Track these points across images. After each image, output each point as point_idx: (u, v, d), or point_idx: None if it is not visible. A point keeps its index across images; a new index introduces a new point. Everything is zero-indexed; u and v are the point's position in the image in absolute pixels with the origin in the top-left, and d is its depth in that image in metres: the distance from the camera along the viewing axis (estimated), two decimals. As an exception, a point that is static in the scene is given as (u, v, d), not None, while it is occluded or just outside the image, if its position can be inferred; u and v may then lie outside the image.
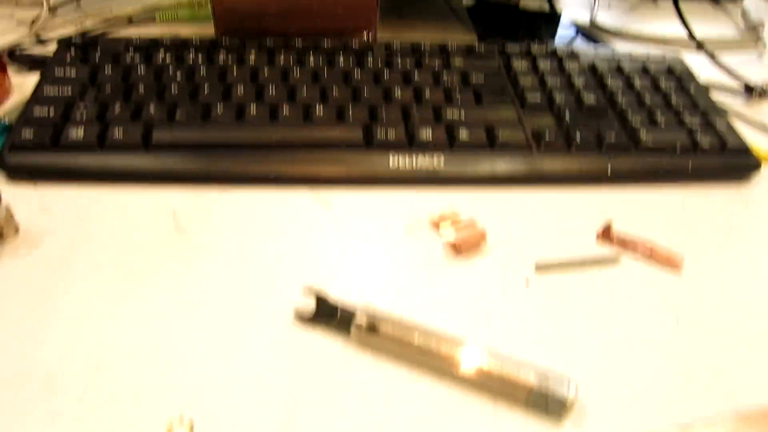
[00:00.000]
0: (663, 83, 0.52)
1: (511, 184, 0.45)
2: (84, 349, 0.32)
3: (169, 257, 0.37)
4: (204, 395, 0.30)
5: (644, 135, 0.46)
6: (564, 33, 0.71)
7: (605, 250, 0.41)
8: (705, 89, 0.53)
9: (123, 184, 0.42)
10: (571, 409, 0.30)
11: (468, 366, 0.31)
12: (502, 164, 0.45)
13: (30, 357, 0.31)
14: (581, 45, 0.69)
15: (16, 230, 0.38)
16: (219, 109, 0.44)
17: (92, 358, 0.32)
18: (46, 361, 0.31)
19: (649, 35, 0.70)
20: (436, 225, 0.41)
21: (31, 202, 0.40)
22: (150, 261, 0.37)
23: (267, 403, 0.30)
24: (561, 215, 0.43)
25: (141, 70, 0.48)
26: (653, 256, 0.40)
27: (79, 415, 0.29)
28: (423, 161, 0.44)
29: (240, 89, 0.46)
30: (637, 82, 0.52)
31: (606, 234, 0.41)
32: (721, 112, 0.50)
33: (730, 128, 0.49)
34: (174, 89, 0.46)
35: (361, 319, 0.32)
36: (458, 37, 0.64)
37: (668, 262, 0.40)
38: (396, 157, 0.44)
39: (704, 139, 0.47)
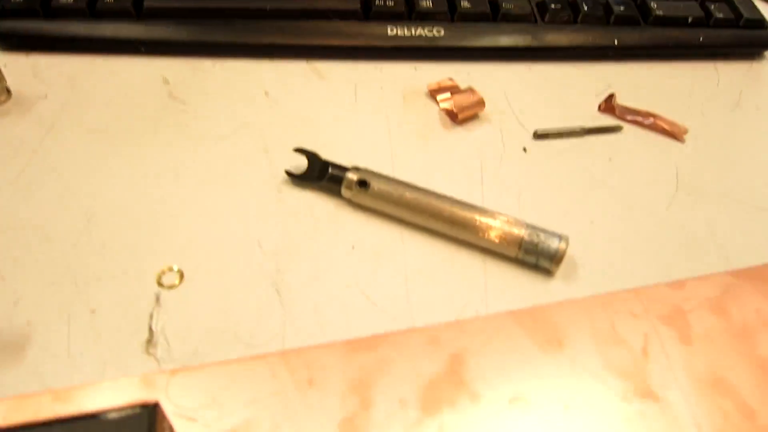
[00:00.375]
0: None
1: (513, 56, 0.44)
2: (76, 203, 0.32)
3: (162, 121, 0.37)
4: (195, 247, 0.31)
5: (655, 6, 0.44)
6: None
7: (607, 120, 0.40)
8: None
9: (115, 53, 0.41)
10: (561, 261, 0.30)
11: (459, 219, 0.31)
12: (504, 36, 0.43)
13: (24, 211, 0.32)
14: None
15: (8, 93, 0.37)
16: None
17: (84, 212, 0.32)
18: (39, 214, 0.32)
19: None
20: (434, 94, 0.40)
21: (23, 69, 0.40)
22: (142, 124, 0.37)
23: (257, 255, 0.31)
24: (564, 88, 0.42)
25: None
26: (656, 126, 0.39)
27: (71, 262, 0.30)
28: (422, 32, 0.42)
29: (234, -43, 0.44)
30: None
31: (608, 105, 0.40)
32: (739, -15, 0.48)
33: (746, 1, 0.46)
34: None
35: (352, 175, 0.32)
36: None
37: (671, 132, 0.39)
38: (394, 28, 0.42)
39: (718, 11, 0.45)
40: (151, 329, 0.28)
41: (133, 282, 0.29)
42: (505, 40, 0.43)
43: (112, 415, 0.21)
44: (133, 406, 0.21)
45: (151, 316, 0.28)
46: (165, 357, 0.27)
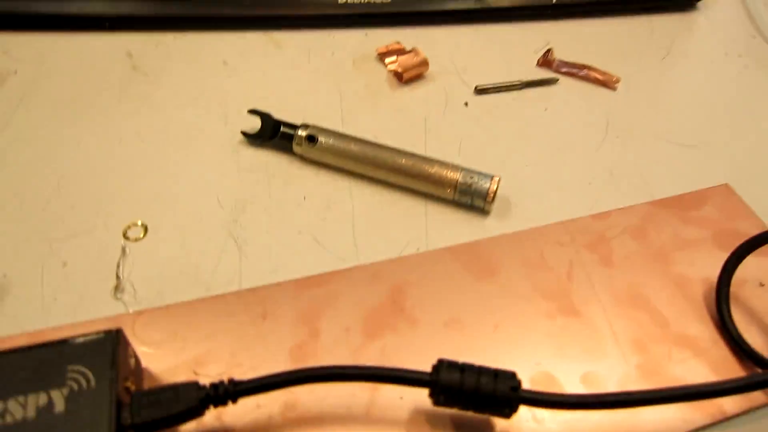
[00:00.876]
0: None
1: (458, 19, 0.46)
2: (47, 168, 0.35)
3: (125, 92, 0.39)
4: (158, 204, 0.33)
5: (591, -36, 0.47)
6: None
7: (545, 74, 0.42)
8: None
9: (81, 30, 0.43)
10: (493, 200, 0.33)
11: (400, 167, 0.34)
12: (449, 0, 0.45)
13: (-1, 177, 0.34)
14: None
15: (-23, 72, 0.39)
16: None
17: (54, 176, 0.34)
18: (13, 179, 0.34)
19: None
20: (383, 58, 0.42)
21: (-10, 49, 0.42)
22: (108, 95, 0.39)
23: (215, 209, 0.33)
24: (505, 46, 0.45)
25: None
26: (589, 76, 0.42)
27: (44, 221, 0.32)
28: (371, -1, 0.45)
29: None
30: None
31: (546, 60, 0.43)
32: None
33: (679, -44, 0.49)
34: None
35: (301, 132, 0.35)
36: None
37: (604, 81, 0.42)
38: (344, -4, 0.45)
39: (651, -33, 0.47)
40: (118, 277, 0.30)
41: (101, 236, 0.32)
42: (450, 4, 0.45)
43: (79, 340, 0.24)
44: (97, 332, 0.24)
45: (118, 266, 0.31)
46: (131, 301, 0.30)
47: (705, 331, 0.29)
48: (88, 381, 0.23)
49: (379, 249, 0.32)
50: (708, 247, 0.33)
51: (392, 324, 0.29)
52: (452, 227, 0.33)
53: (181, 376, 0.27)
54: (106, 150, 0.36)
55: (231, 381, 0.24)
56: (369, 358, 0.28)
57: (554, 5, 0.46)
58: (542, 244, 0.32)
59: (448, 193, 0.33)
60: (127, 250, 0.31)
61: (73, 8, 0.42)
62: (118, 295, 0.30)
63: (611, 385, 0.27)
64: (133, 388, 0.25)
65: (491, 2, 0.46)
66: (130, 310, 0.29)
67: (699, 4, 0.50)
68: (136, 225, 0.32)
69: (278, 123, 0.36)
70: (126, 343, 0.25)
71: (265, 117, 0.36)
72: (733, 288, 0.30)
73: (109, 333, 0.24)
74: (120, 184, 0.34)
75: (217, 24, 0.44)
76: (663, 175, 0.36)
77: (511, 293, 0.30)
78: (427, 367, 0.24)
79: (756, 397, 0.27)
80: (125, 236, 0.32)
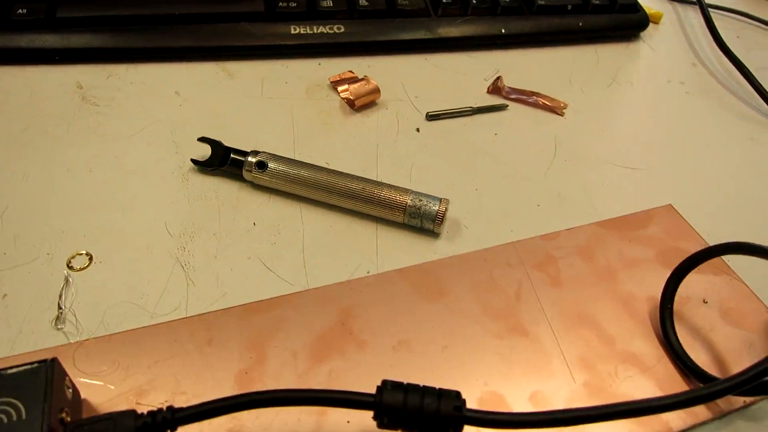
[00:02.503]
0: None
1: (410, 48, 0.47)
2: (-9, 198, 0.34)
3: (75, 123, 0.39)
4: (105, 233, 0.33)
5: (537, -4, 0.48)
6: None
7: (495, 100, 0.43)
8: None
9: (30, 63, 0.43)
10: (442, 222, 0.33)
11: (350, 191, 0.34)
12: (401, 30, 0.47)
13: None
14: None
15: None
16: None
17: (1, 203, 0.34)
18: (-46, 209, 0.33)
19: None
20: (336, 86, 0.43)
21: (-62, 82, 0.41)
22: (56, 126, 0.39)
23: (163, 237, 0.33)
24: (456, 74, 0.46)
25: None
26: (538, 103, 0.43)
27: (-13, 250, 0.31)
28: (324, 29, 0.45)
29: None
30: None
31: (496, 87, 0.44)
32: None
33: (622, -11, 0.51)
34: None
35: (251, 158, 0.35)
36: None
37: (552, 107, 0.43)
38: (297, 27, 0.45)
39: (595, -1, 0.49)
40: (60, 307, 0.30)
41: (44, 267, 0.31)
42: (402, 34, 0.46)
43: (10, 371, 0.23)
44: (31, 363, 0.23)
45: (60, 296, 0.30)
46: (73, 332, 0.29)
47: (650, 349, 0.30)
48: (18, 413, 0.22)
49: (329, 273, 0.32)
50: (652, 265, 0.33)
51: (340, 347, 0.29)
52: (402, 250, 0.33)
53: (122, 407, 0.26)
54: (53, 181, 0.35)
55: (170, 408, 0.23)
56: (316, 382, 0.27)
57: (503, 35, 0.47)
58: (491, 265, 0.33)
59: (398, 216, 0.34)
60: (71, 279, 0.31)
61: (23, 42, 0.42)
62: (60, 326, 0.29)
63: (559, 403, 0.27)
64: (68, 419, 0.24)
65: (442, 32, 0.47)
66: (71, 341, 0.28)
67: (642, 34, 0.52)
68: (80, 254, 0.32)
69: (228, 150, 0.36)
70: (62, 374, 0.24)
71: (214, 144, 0.36)
72: (677, 306, 0.31)
73: (42, 363, 0.23)
74: (66, 214, 0.34)
75: (170, 55, 0.44)
76: (609, 196, 0.37)
77: (460, 314, 0.30)
78: (373, 390, 0.24)
79: (701, 412, 0.27)
80: (69, 266, 0.31)
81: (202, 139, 0.36)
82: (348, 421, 0.26)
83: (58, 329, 0.29)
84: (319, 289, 0.31)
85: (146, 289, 0.31)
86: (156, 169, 0.36)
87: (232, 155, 0.36)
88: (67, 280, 0.31)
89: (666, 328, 0.29)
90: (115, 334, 0.29)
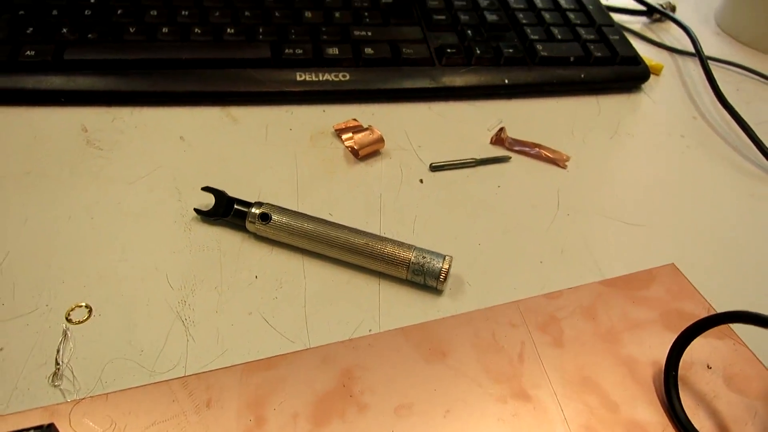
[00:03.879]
0: (563, 2, 0.55)
1: (414, 97, 0.47)
2: (-9, 245, 0.34)
3: (78, 166, 0.39)
4: (105, 284, 0.33)
5: (540, 48, 0.49)
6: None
7: (498, 151, 0.44)
8: (602, 7, 0.56)
9: (37, 104, 0.43)
10: (446, 280, 0.33)
11: (354, 246, 0.34)
12: (405, 78, 0.47)
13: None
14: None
15: (-75, 146, 0.39)
16: (132, 30, 0.45)
17: (1, 249, 0.33)
18: (-47, 257, 0.33)
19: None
20: (340, 134, 0.43)
21: (-58, 122, 0.41)
22: (59, 170, 0.38)
23: (164, 289, 0.33)
24: (460, 124, 0.46)
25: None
26: (540, 155, 0.43)
27: (-15, 300, 0.31)
28: (329, 77, 0.46)
29: (153, 12, 0.47)
30: (538, 2, 0.54)
31: (499, 138, 0.44)
32: (616, 27, 0.53)
33: (623, 41, 0.52)
34: (88, 12, 0.47)
35: (255, 210, 0.35)
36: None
37: (554, 159, 0.43)
38: (303, 74, 0.46)
39: (597, 51, 0.50)
40: (57, 363, 0.29)
41: (43, 319, 0.31)
42: (406, 83, 0.47)
43: (6, 439, 0.23)
44: (27, 429, 0.23)
45: (58, 351, 0.30)
46: (70, 388, 0.28)
47: (654, 416, 0.29)
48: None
49: (330, 330, 0.32)
50: (656, 328, 0.33)
51: (341, 410, 0.28)
52: (405, 307, 0.33)
53: (117, 471, 0.26)
54: (54, 227, 0.35)
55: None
56: (316, 448, 0.27)
57: (507, 85, 0.48)
58: (494, 325, 0.33)
59: (402, 272, 0.33)
60: (69, 333, 0.30)
61: (30, 83, 0.42)
62: (57, 383, 0.28)
63: (562, 474, 0.27)
64: (63, 486, 0.24)
65: (445, 81, 0.47)
66: (68, 399, 0.28)
67: (644, 85, 0.52)
68: (80, 306, 0.32)
69: (232, 200, 0.36)
70: (58, 439, 0.24)
71: (218, 194, 0.36)
72: (681, 371, 0.30)
73: (39, 428, 0.23)
74: (67, 263, 0.33)
75: (176, 99, 0.44)
76: (612, 253, 0.37)
77: (462, 376, 0.30)
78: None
79: (705, 484, 0.27)
80: (68, 319, 0.31)
81: (206, 189, 0.36)
82: (348, 491, 0.25)
83: (55, 386, 0.28)
84: (321, 348, 0.31)
85: (145, 344, 0.30)
86: (158, 217, 0.36)
87: (235, 206, 0.35)
88: (65, 334, 0.30)
89: (671, 397, 0.29)
90: (112, 393, 0.28)
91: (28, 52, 0.43)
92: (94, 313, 0.31)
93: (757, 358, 0.32)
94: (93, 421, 0.27)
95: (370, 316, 0.33)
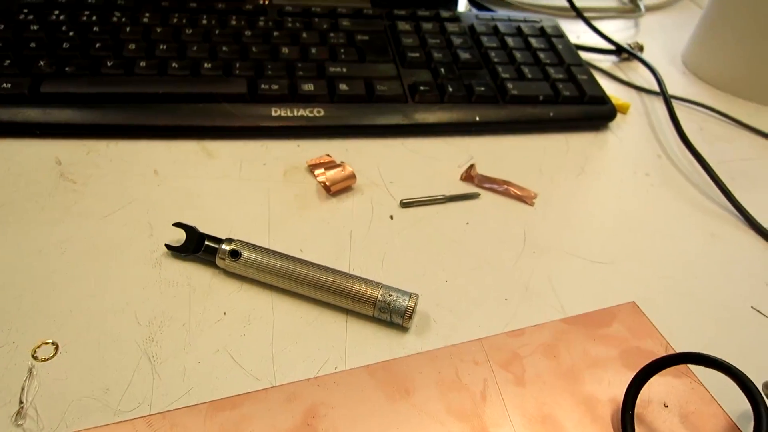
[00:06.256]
0: (534, 42, 0.57)
1: (387, 133, 0.49)
2: (-41, 280, 0.34)
3: (50, 200, 0.39)
4: (73, 321, 0.33)
5: (510, 86, 0.51)
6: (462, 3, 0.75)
7: (467, 188, 0.45)
8: (572, 47, 0.58)
9: (10, 136, 0.43)
10: (411, 317, 0.34)
11: (322, 283, 0.34)
12: (378, 115, 0.48)
13: None
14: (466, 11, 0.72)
15: None
16: (109, 63, 0.46)
17: (-33, 288, 0.33)
18: None
19: (536, 4, 0.75)
20: (313, 169, 0.44)
21: None
22: (31, 203, 0.39)
23: (132, 326, 0.33)
24: (431, 160, 0.47)
25: (34, 28, 0.49)
26: (509, 192, 0.44)
27: (-50, 337, 0.31)
28: (304, 112, 0.47)
29: (132, 46, 0.48)
30: (510, 42, 0.56)
31: (468, 174, 0.45)
32: (585, 67, 0.55)
33: (591, 80, 0.53)
34: (66, 45, 0.47)
35: (225, 246, 0.35)
36: (352, 2, 0.66)
37: (522, 196, 0.44)
38: (278, 109, 0.46)
39: (565, 90, 0.51)
40: (21, 401, 0.29)
41: (8, 357, 0.31)
42: (380, 119, 0.48)
43: (-37, 483, 0.23)
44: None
45: (22, 389, 0.30)
46: (33, 428, 0.28)
47: (611, 454, 0.30)
48: None
49: (297, 367, 0.32)
50: (615, 365, 0.34)
51: (305, 450, 0.29)
52: (371, 344, 0.34)
53: None
54: (24, 261, 0.35)
55: None
56: (278, 489, 0.27)
57: (478, 122, 0.49)
58: (458, 363, 0.33)
59: (368, 309, 0.34)
60: (35, 371, 0.30)
61: (5, 115, 0.43)
62: (20, 422, 0.28)
63: None
64: None
65: (418, 118, 0.48)
66: (30, 438, 0.28)
67: (611, 124, 0.54)
68: (46, 343, 0.32)
69: (203, 236, 0.36)
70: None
71: (189, 230, 0.37)
72: (638, 409, 0.31)
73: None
74: (35, 298, 0.33)
75: (152, 133, 0.45)
76: (574, 291, 0.38)
77: (425, 415, 0.31)
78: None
79: None
80: (34, 356, 0.31)
81: (178, 225, 0.37)
82: None
83: (18, 425, 0.28)
84: (286, 386, 0.31)
85: (111, 382, 0.30)
86: (130, 252, 0.37)
87: (206, 242, 0.36)
88: (30, 372, 0.30)
89: (626, 435, 0.30)
90: (76, 432, 0.28)
91: (5, 84, 0.43)
92: (60, 350, 0.32)
93: (713, 398, 0.33)
94: (55, 461, 0.27)
95: (336, 353, 0.33)
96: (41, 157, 0.42)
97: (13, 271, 0.35)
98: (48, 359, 0.31)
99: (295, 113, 0.46)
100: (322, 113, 0.47)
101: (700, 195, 0.48)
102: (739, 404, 0.33)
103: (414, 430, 0.30)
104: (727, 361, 0.29)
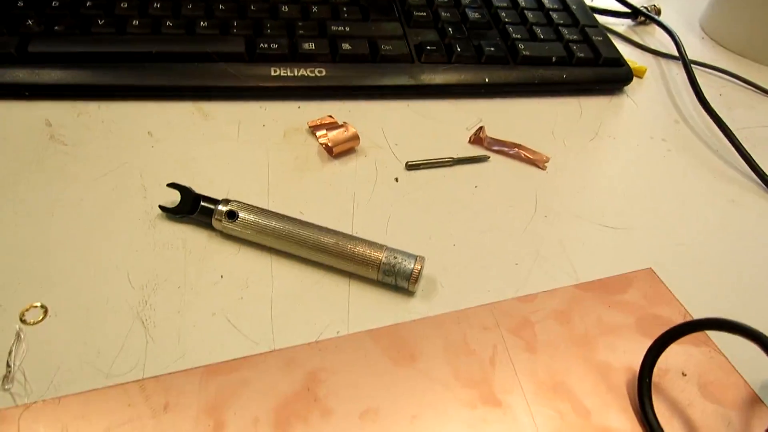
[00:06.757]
0: (547, 2, 0.54)
1: (392, 94, 0.47)
2: (-56, 241, 0.32)
3: (40, 162, 0.38)
4: (64, 284, 0.31)
5: (522, 47, 0.48)
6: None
7: (476, 151, 0.43)
8: (587, 8, 0.55)
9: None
10: (417, 281, 0.32)
11: (323, 245, 0.33)
12: (383, 75, 0.46)
13: None
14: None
15: None
16: (101, 21, 0.44)
17: (-48, 249, 0.32)
18: None
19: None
20: (314, 131, 0.42)
21: None
22: (20, 166, 0.37)
23: (125, 289, 0.31)
24: (438, 122, 0.45)
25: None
26: (519, 155, 0.42)
27: (-66, 298, 0.30)
28: (305, 72, 0.45)
29: (124, 4, 0.46)
30: (522, 1, 0.54)
31: (477, 137, 0.43)
32: (600, 29, 0.52)
33: (607, 42, 0.51)
34: (55, 3, 0.45)
35: (221, 207, 0.34)
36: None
37: (533, 160, 0.42)
38: (278, 69, 0.44)
39: (579, 51, 0.49)
40: (8, 365, 0.28)
41: (-6, 319, 0.29)
42: (384, 80, 0.46)
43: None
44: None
45: (10, 353, 0.28)
46: (21, 392, 0.27)
47: (627, 423, 0.28)
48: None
49: (296, 332, 0.31)
50: (631, 333, 0.32)
51: (304, 415, 0.27)
52: (375, 309, 0.32)
53: (66, 478, 0.25)
54: (12, 224, 0.34)
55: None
56: (276, 456, 0.26)
57: (487, 84, 0.47)
58: (466, 328, 0.32)
59: (372, 273, 0.32)
60: (23, 335, 0.29)
61: (-8, 75, 0.41)
62: (7, 386, 0.27)
63: (531, 483, 0.26)
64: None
65: (425, 79, 0.46)
66: (18, 403, 0.27)
67: (626, 88, 0.52)
68: (35, 307, 0.30)
69: (198, 197, 0.35)
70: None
71: (184, 191, 0.35)
72: (655, 378, 0.30)
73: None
74: (24, 261, 0.32)
75: (144, 94, 0.43)
76: (588, 256, 0.36)
77: (431, 380, 0.29)
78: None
79: (678, 494, 0.26)
80: (22, 320, 0.30)
81: (172, 185, 0.35)
82: (307, 501, 0.24)
83: (5, 389, 0.27)
84: (285, 350, 0.30)
85: (102, 346, 0.29)
86: (122, 214, 0.35)
87: (202, 203, 0.34)
88: (18, 336, 0.29)
89: (644, 404, 0.28)
90: (65, 396, 0.27)
91: (-9, 45, 0.41)
92: (49, 313, 0.30)
93: (733, 367, 0.31)
94: (44, 426, 0.26)
95: (338, 317, 0.31)
96: (30, 118, 0.41)
97: (1, 233, 0.33)
98: (37, 323, 0.30)
99: (296, 73, 0.44)
100: (323, 73, 0.45)
101: (719, 161, 0.46)
102: (760, 374, 0.31)
103: (419, 396, 0.28)
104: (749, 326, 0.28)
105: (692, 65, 0.53)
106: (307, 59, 0.45)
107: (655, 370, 0.30)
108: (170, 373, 0.28)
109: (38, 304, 0.30)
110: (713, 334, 0.33)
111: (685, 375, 0.31)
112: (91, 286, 0.31)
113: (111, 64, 0.43)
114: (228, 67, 0.44)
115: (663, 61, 0.57)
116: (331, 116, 0.43)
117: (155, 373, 0.28)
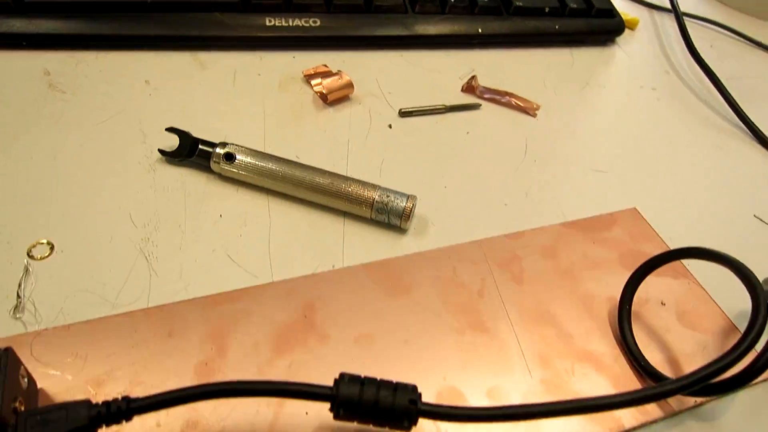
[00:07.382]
0: (539, -48, 0.54)
1: (386, 44, 0.47)
2: (-49, 182, 0.33)
3: (40, 110, 0.38)
4: (68, 222, 0.32)
5: (515, -2, 0.49)
6: None
7: (468, 99, 0.44)
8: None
9: (-2, 48, 0.42)
10: (409, 218, 0.33)
11: (318, 185, 0.34)
12: (377, 26, 0.47)
13: None
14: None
15: None
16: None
17: (-40, 190, 0.33)
18: None
19: None
20: (309, 80, 0.43)
21: None
22: (21, 113, 0.38)
23: (127, 227, 0.33)
24: (431, 72, 0.46)
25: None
26: (511, 103, 0.43)
27: (-55, 235, 0.31)
28: (299, 22, 0.45)
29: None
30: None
31: (470, 86, 0.44)
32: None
33: (599, -7, 0.52)
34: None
35: (219, 150, 0.35)
36: None
37: (524, 107, 0.43)
38: (272, 19, 0.45)
39: (572, 2, 0.50)
40: (18, 296, 0.29)
41: (3, 255, 0.31)
42: (378, 30, 0.46)
43: (-39, 359, 0.23)
44: (-19, 351, 0.23)
45: (19, 285, 0.30)
46: (31, 320, 0.28)
47: (608, 348, 0.30)
48: (-31, 401, 0.22)
49: (294, 266, 0.32)
50: (614, 267, 0.34)
51: (302, 340, 0.29)
52: (369, 245, 0.33)
53: (79, 397, 0.26)
54: (15, 168, 0.35)
55: (125, 398, 0.23)
56: (276, 374, 0.27)
57: (480, 35, 0.48)
58: (456, 262, 0.33)
59: (366, 211, 0.34)
60: (31, 269, 0.30)
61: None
62: (18, 315, 0.29)
63: (515, 398, 0.28)
64: (22, 408, 0.24)
65: (418, 29, 0.47)
66: (29, 330, 0.28)
67: (618, 39, 0.52)
68: (41, 243, 0.31)
69: (196, 141, 0.36)
70: (17, 363, 0.24)
71: (182, 135, 0.36)
72: (636, 307, 0.31)
73: (-6, 351, 0.23)
74: (28, 202, 0.33)
75: (142, 43, 0.43)
76: (575, 198, 0.38)
77: (422, 309, 0.31)
78: (332, 382, 0.24)
79: (652, 411, 0.28)
80: (29, 255, 0.31)
81: (170, 130, 0.36)
82: (306, 413, 0.26)
83: (16, 318, 0.28)
84: (283, 282, 0.31)
85: (108, 279, 0.30)
86: (122, 158, 0.36)
87: (200, 146, 0.35)
88: (26, 269, 0.30)
89: (623, 329, 0.30)
90: (74, 324, 0.28)
91: (-12, -6, 0.42)
92: (56, 249, 0.31)
93: (710, 297, 0.33)
94: (54, 350, 0.27)
95: (333, 253, 0.33)
96: (29, 68, 0.41)
97: (4, 176, 0.34)
98: (44, 258, 0.31)
99: (291, 23, 0.45)
100: (318, 23, 0.45)
101: (707, 109, 0.47)
102: (736, 303, 0.33)
103: (411, 324, 0.30)
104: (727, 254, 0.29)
105: (684, 17, 0.53)
106: (302, 9, 0.46)
107: (636, 299, 0.31)
108: (174, 303, 0.30)
109: (44, 240, 0.32)
110: (692, 267, 0.34)
111: (664, 304, 0.32)
112: (94, 224, 0.32)
113: (108, 13, 0.43)
114: (224, 17, 0.45)
115: (656, 12, 0.58)
116: (325, 65, 0.44)
117: (159, 303, 0.30)
